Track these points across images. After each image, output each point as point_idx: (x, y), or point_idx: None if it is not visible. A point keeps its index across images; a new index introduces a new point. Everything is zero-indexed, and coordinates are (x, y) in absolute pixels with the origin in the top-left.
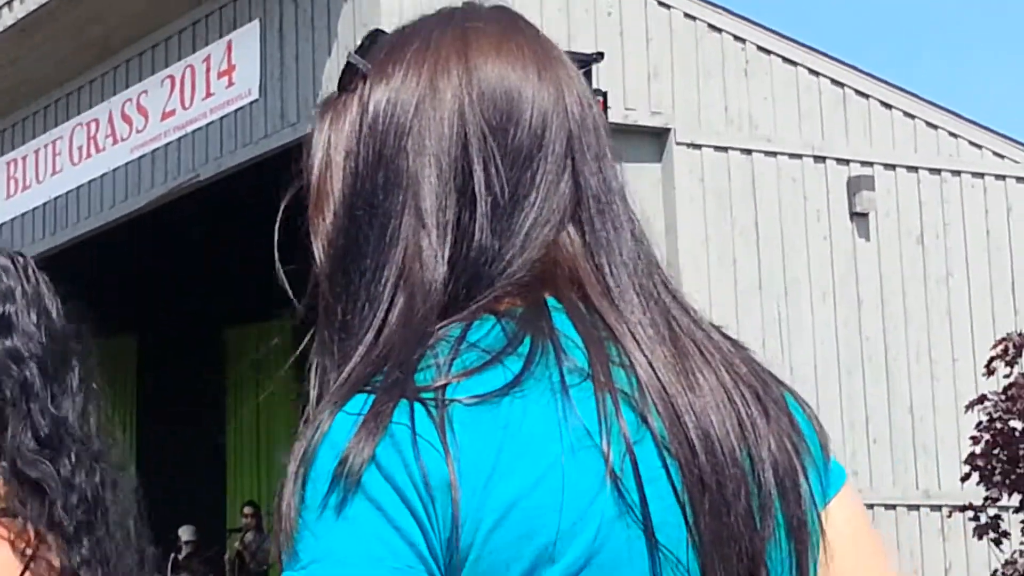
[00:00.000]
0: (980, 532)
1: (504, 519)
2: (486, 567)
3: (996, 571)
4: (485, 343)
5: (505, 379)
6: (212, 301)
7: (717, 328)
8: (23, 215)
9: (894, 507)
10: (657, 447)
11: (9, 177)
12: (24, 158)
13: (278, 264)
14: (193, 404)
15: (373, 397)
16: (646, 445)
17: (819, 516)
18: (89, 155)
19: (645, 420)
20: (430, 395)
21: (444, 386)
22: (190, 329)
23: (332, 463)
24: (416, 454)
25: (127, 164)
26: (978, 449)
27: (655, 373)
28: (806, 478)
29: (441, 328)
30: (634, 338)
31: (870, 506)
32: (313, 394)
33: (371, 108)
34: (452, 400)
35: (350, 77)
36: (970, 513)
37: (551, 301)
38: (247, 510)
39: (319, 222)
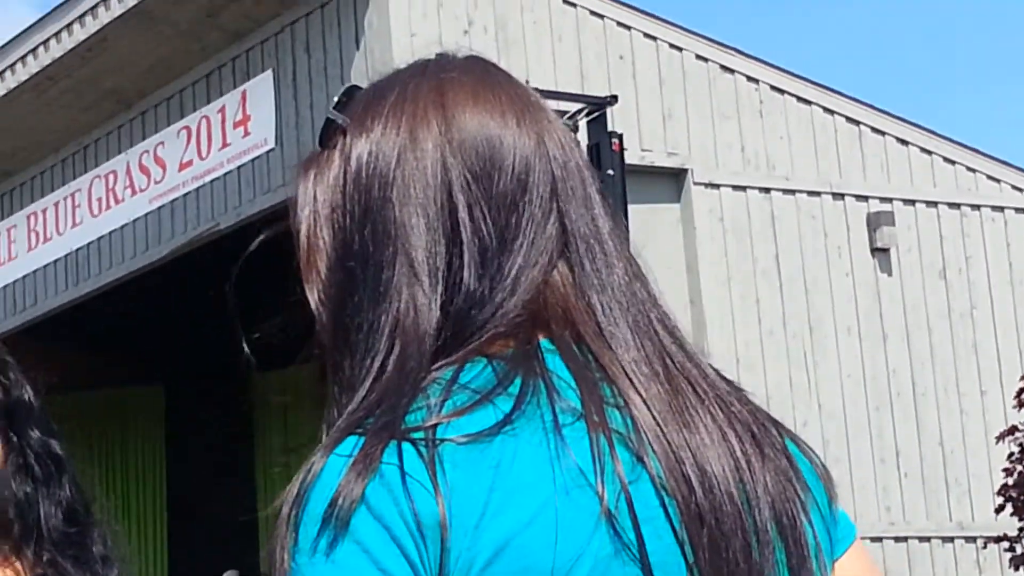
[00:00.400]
0: (1017, 563)
1: (497, 558)
2: None
3: None
4: (476, 384)
5: (496, 418)
6: (237, 349)
7: (715, 369)
8: (45, 267)
9: (928, 540)
10: (654, 487)
11: (30, 230)
12: (44, 211)
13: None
14: (222, 450)
15: (363, 439)
16: (643, 485)
17: (821, 556)
18: (108, 207)
19: (641, 460)
20: (420, 435)
21: (435, 426)
22: (216, 377)
23: (322, 505)
24: (406, 493)
25: (147, 215)
26: (1011, 480)
27: (650, 412)
28: (808, 519)
29: (433, 371)
30: (628, 377)
31: (904, 539)
32: None
33: (353, 161)
34: (443, 440)
35: (330, 132)
36: (1006, 544)
37: (544, 343)
38: None
39: (313, 277)
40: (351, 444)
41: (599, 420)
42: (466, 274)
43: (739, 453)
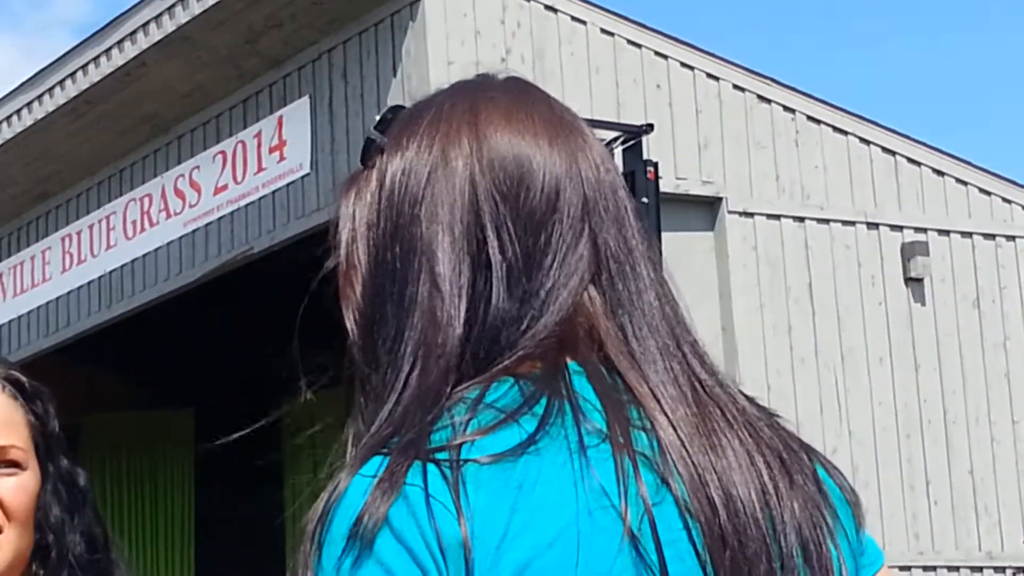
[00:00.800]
0: None
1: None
2: None
3: None
4: (501, 403)
5: (520, 438)
6: (269, 372)
7: (745, 394)
8: (79, 289)
9: (957, 569)
10: (679, 509)
11: (64, 252)
12: (79, 233)
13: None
14: (251, 475)
15: (388, 459)
16: (666, 507)
17: None
18: (143, 229)
19: (666, 482)
20: (444, 455)
21: (459, 446)
22: (246, 400)
23: (346, 525)
24: (429, 515)
25: (180, 238)
26: None
27: (676, 433)
28: (835, 545)
29: (460, 391)
30: (655, 398)
31: (933, 568)
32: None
33: (387, 180)
34: (467, 460)
35: (370, 152)
36: None
37: (572, 365)
38: None
39: (349, 294)
40: (376, 464)
41: (624, 442)
42: (493, 293)
43: (767, 478)
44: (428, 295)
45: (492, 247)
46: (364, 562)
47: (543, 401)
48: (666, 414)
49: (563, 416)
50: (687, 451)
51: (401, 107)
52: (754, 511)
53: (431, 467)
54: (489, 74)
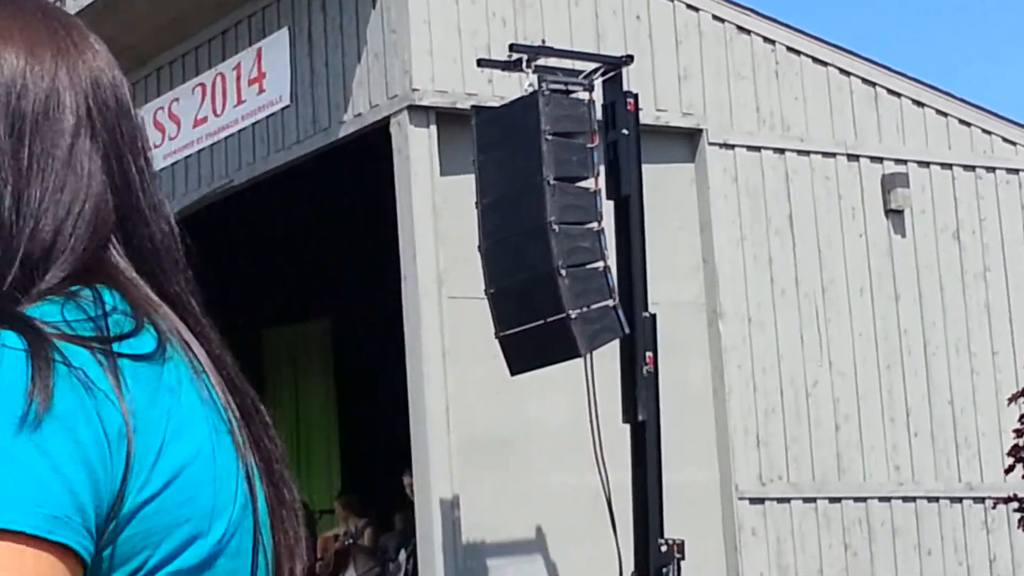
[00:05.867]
0: None
1: (173, 482)
2: (151, 526)
3: None
4: (122, 307)
5: (153, 345)
6: (249, 303)
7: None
8: None
9: (937, 500)
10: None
11: None
12: None
13: None
14: None
15: (25, 335)
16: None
17: None
18: None
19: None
20: (98, 344)
21: (110, 339)
22: (228, 331)
23: (20, 408)
24: (94, 402)
25: (160, 171)
26: (1022, 441)
27: (220, 376)
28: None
29: (63, 285)
30: (196, 338)
31: (913, 499)
32: None
33: None
34: (119, 355)
35: None
36: (1015, 504)
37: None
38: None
39: None
40: (14, 337)
41: (213, 367)
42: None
43: (272, 430)
44: None
45: None
46: (25, 439)
47: (145, 318)
48: (209, 355)
49: (170, 333)
50: (230, 400)
51: None
52: (283, 464)
53: (85, 351)
54: None
